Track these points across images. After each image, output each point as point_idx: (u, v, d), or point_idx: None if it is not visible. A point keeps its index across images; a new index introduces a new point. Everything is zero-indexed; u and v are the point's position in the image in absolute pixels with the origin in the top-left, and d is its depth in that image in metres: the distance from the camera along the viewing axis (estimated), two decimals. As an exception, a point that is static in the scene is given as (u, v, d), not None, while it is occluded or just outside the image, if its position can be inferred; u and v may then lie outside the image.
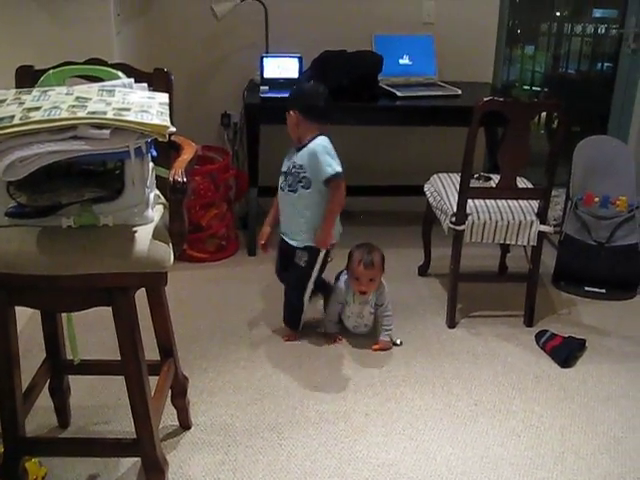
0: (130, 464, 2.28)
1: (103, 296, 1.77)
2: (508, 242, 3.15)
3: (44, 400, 2.31)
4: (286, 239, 2.97)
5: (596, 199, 3.61)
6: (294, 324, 3.06)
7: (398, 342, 3.03)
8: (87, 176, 1.78)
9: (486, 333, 3.16)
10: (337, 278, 3.12)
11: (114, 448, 2.06)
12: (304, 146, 2.84)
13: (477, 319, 3.27)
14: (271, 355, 2.93)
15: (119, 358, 1.88)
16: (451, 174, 3.36)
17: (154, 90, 1.88)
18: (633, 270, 3.57)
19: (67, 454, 2.18)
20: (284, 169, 2.93)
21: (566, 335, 3.07)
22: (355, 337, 3.07)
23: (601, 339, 3.14)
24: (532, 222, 3.05)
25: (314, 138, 2.84)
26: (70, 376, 2.41)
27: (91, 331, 2.80)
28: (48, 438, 2.36)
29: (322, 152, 2.79)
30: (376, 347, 2.99)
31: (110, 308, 1.80)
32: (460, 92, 3.86)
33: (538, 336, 3.09)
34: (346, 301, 3.01)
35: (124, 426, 2.40)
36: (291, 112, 2.86)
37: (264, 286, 3.48)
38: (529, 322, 3.22)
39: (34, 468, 2.15)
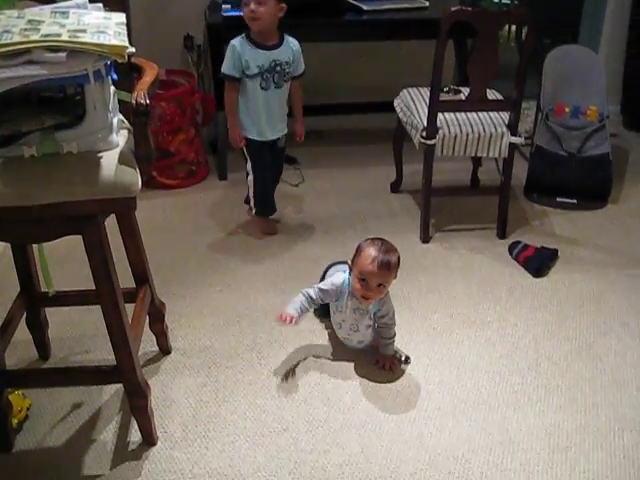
0: (113, 390, 2.31)
1: (73, 225, 1.74)
2: (479, 155, 3.15)
3: (23, 334, 2.31)
4: (270, 137, 3.09)
5: (567, 109, 3.60)
6: (273, 206, 3.26)
7: (403, 358, 2.48)
8: (47, 103, 1.73)
9: (460, 246, 3.19)
10: (327, 269, 2.69)
11: (95, 376, 2.08)
12: (279, 43, 2.96)
13: (450, 233, 3.30)
14: (247, 278, 2.94)
15: (94, 288, 1.88)
16: (420, 88, 3.32)
17: (110, 11, 1.81)
18: (604, 180, 3.59)
19: (49, 384, 2.20)
20: (258, 70, 2.92)
21: (538, 245, 3.10)
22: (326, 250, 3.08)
23: (573, 248, 3.18)
24: (503, 134, 3.04)
25: (282, 35, 2.98)
26: (47, 308, 2.41)
27: (64, 263, 2.78)
28: (29, 370, 2.37)
29: (300, 48, 3.03)
30: (381, 365, 2.45)
31: (81, 238, 1.78)
32: (427, 4, 3.78)
33: (511, 247, 3.13)
34: (335, 306, 2.46)
35: (104, 354, 2.41)
36: (272, 2, 2.84)
37: (236, 210, 3.46)
38: (502, 234, 3.24)
39: (18, 400, 2.17)
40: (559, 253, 3.10)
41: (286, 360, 2.46)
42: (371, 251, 2.29)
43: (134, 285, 2.25)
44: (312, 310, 2.52)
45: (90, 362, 2.41)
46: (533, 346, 2.56)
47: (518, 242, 3.14)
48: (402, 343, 2.53)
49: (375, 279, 2.28)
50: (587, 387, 2.37)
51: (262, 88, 2.96)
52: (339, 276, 2.42)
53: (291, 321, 2.32)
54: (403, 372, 2.43)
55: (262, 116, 3.02)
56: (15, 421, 2.13)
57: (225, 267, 3.02)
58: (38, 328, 2.40)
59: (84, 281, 2.08)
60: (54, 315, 2.47)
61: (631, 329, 2.66)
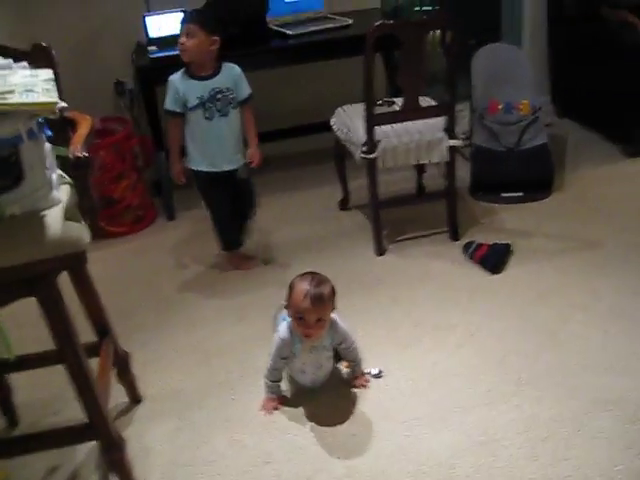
0: (87, 449, 2.26)
1: (24, 287, 1.71)
2: (421, 162, 3.20)
3: (-13, 403, 2.26)
4: (224, 168, 3.05)
5: (499, 106, 3.68)
6: (237, 240, 3.24)
7: (375, 372, 2.50)
8: (-17, 169, 1.71)
9: (415, 254, 3.22)
10: (274, 321, 2.58)
11: (68, 436, 2.04)
12: (215, 72, 2.94)
13: (404, 242, 3.33)
14: (209, 315, 2.92)
15: (54, 349, 1.84)
16: (355, 105, 3.35)
17: (36, 68, 1.79)
18: (545, 169, 3.67)
19: (22, 452, 2.13)
20: (198, 100, 2.92)
21: (491, 242, 3.15)
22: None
23: (525, 241, 3.23)
24: (441, 138, 3.09)
25: (220, 64, 2.96)
26: (9, 374, 2.35)
27: (21, 326, 2.72)
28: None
29: (242, 72, 3.01)
30: (359, 385, 2.44)
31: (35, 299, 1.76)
32: (351, 21, 3.84)
33: (465, 248, 3.17)
34: (293, 353, 2.34)
35: (74, 413, 2.33)
36: (202, 35, 2.85)
37: (190, 248, 3.44)
38: (454, 236, 3.29)
39: (-9, 473, 2.11)
40: (512, 247, 3.15)
41: (260, 392, 2.44)
42: (303, 286, 2.22)
43: (96, 338, 2.21)
44: (283, 376, 2.46)
45: (61, 423, 2.35)
46: (500, 343, 2.59)
47: (472, 242, 3.18)
48: (372, 357, 2.53)
49: (312, 315, 2.21)
50: (558, 375, 2.40)
51: (206, 118, 2.94)
52: (282, 326, 2.34)
53: (275, 408, 2.37)
54: (377, 387, 2.43)
55: (211, 147, 3.00)
56: (-9, 495, 2.08)
57: (186, 306, 2.99)
58: (2, 395, 2.34)
59: (45, 342, 2.04)
60: (18, 380, 2.41)
61: (592, 312, 2.71)
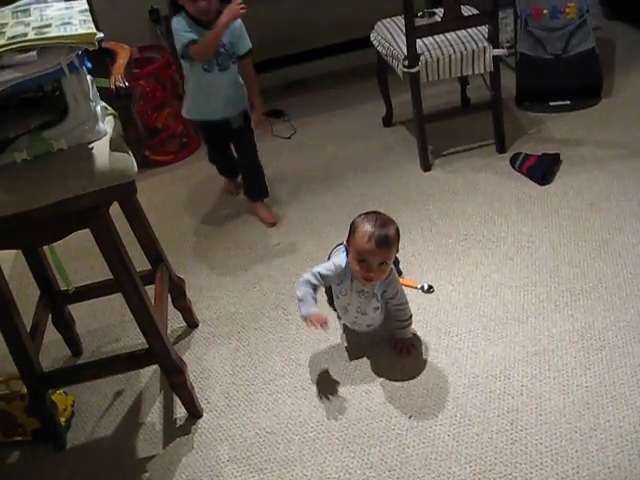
0: (150, 372, 2.35)
1: (78, 220, 1.75)
2: (465, 73, 3.11)
3: (52, 335, 2.35)
4: (211, 118, 2.93)
5: (545, 11, 3.53)
6: (265, 189, 3.12)
7: (425, 287, 2.50)
8: (28, 105, 1.72)
9: (462, 168, 3.17)
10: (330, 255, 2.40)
11: (130, 362, 2.11)
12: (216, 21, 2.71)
13: (450, 157, 3.28)
14: (259, 239, 2.95)
15: (112, 278, 1.89)
16: (395, 18, 3.26)
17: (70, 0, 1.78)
18: (593, 75, 3.54)
19: (87, 378, 2.23)
20: None
21: (539, 153, 3.08)
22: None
23: (574, 150, 3.16)
24: (485, 48, 3.00)
25: (220, 13, 2.70)
26: (70, 305, 2.43)
27: (78, 258, 2.80)
28: (65, 368, 2.41)
29: (243, 26, 2.81)
30: (399, 349, 2.27)
31: (90, 234, 1.79)
32: None
33: (512, 160, 3.11)
34: (339, 290, 2.22)
35: (134, 340, 2.45)
36: None
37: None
38: (501, 148, 3.23)
39: (61, 399, 2.21)
40: (561, 157, 3.08)
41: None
42: (366, 228, 2.05)
43: (150, 267, 2.26)
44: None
45: (122, 349, 2.45)
46: (551, 253, 2.57)
47: (519, 153, 3.12)
48: (422, 272, 2.55)
49: (375, 258, 2.05)
50: (611, 284, 2.38)
51: (205, 70, 2.78)
52: (339, 257, 2.19)
53: (324, 322, 2.09)
54: (429, 301, 2.45)
55: (207, 98, 2.86)
56: (63, 420, 2.18)
57: (234, 233, 3.02)
58: (65, 326, 2.43)
59: (101, 272, 2.10)
60: (78, 310, 2.50)
61: (645, 219, 2.66)
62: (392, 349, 2.28)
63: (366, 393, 2.14)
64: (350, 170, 3.29)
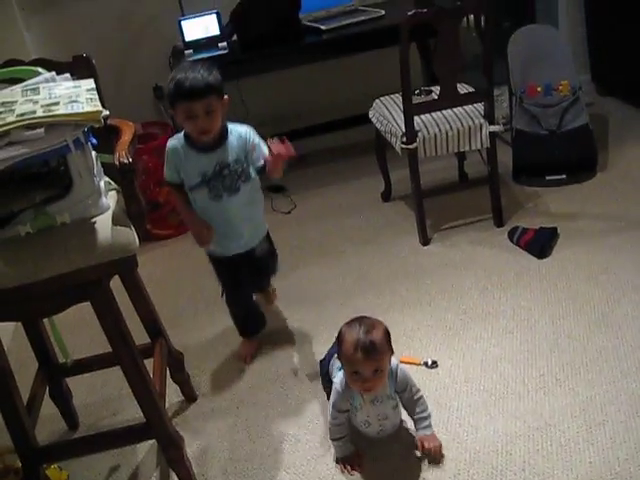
0: (147, 448, 2.32)
1: (79, 293, 1.76)
2: (462, 149, 3.18)
3: (48, 408, 2.32)
4: (235, 251, 2.50)
5: (539, 89, 3.63)
6: (255, 324, 2.74)
7: (429, 363, 2.47)
8: (33, 180, 1.76)
9: (460, 242, 3.20)
10: (324, 370, 2.33)
11: (127, 436, 2.09)
12: (220, 140, 2.31)
13: (449, 231, 3.31)
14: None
15: (110, 350, 1.89)
16: (392, 95, 3.35)
17: (78, 79, 1.84)
18: (588, 150, 3.61)
19: (83, 453, 2.20)
20: (201, 178, 2.32)
21: (537, 227, 3.12)
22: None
23: (571, 223, 3.19)
24: (481, 125, 3.07)
25: (225, 126, 2.33)
26: (68, 378, 2.42)
27: (76, 330, 2.80)
28: (61, 442, 2.37)
29: (254, 133, 2.36)
30: (425, 448, 2.09)
31: (89, 304, 1.80)
32: (383, 12, 3.82)
33: (511, 234, 3.14)
34: (354, 407, 2.10)
35: (132, 414, 2.42)
36: (219, 104, 2.25)
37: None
38: (499, 222, 3.26)
39: (55, 474, 2.18)
40: (559, 230, 3.11)
41: (310, 388, 2.46)
42: (351, 336, 1.97)
43: (149, 340, 2.26)
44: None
45: (120, 424, 2.40)
46: (551, 327, 2.57)
47: (517, 227, 3.15)
48: (421, 347, 2.54)
49: (367, 367, 1.95)
50: (611, 357, 2.37)
51: (212, 199, 2.35)
52: (338, 377, 2.10)
53: (355, 466, 2.11)
54: (429, 376, 2.43)
55: (221, 229, 2.40)
56: (57, 495, 2.14)
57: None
58: (62, 399, 2.41)
59: (100, 344, 2.10)
60: (76, 383, 2.48)
61: (644, 292, 2.66)
62: (418, 449, 2.12)
63: (366, 469, 2.11)
64: (349, 243, 3.32)
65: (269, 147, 2.24)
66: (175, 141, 2.35)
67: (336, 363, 2.17)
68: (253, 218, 2.49)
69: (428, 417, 2.13)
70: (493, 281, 2.88)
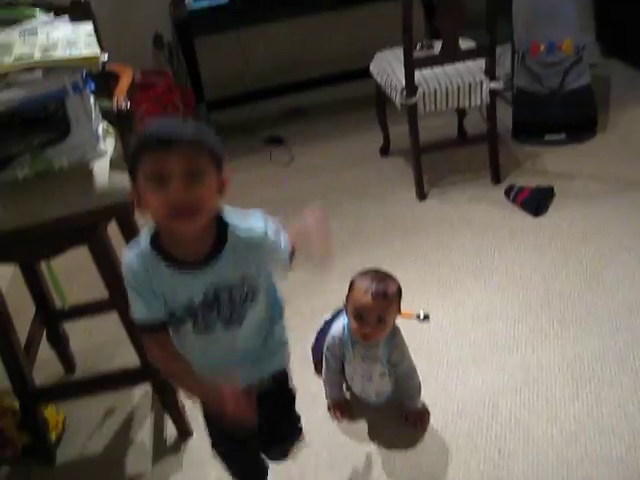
0: (142, 392, 2.36)
1: (76, 236, 1.78)
2: (462, 106, 3.17)
3: (46, 352, 2.36)
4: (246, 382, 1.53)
5: (542, 47, 3.59)
6: None
7: (421, 316, 2.51)
8: (31, 124, 1.76)
9: (457, 198, 3.21)
10: (327, 325, 2.28)
11: (123, 379, 2.14)
12: (215, 249, 1.36)
13: (446, 187, 3.32)
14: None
15: (107, 296, 1.92)
16: (394, 49, 3.32)
17: (76, 21, 1.83)
18: (589, 111, 3.60)
19: (80, 394, 2.25)
20: (183, 310, 1.40)
21: (534, 185, 3.12)
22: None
23: (568, 183, 3.20)
24: (482, 81, 3.06)
25: (222, 222, 1.39)
26: (65, 323, 2.45)
27: (74, 276, 2.82)
28: (58, 384, 2.42)
29: (270, 225, 1.45)
30: (412, 422, 2.11)
31: (87, 252, 1.82)
32: (388, -36, 3.77)
33: (507, 191, 3.15)
34: (344, 355, 2.11)
35: (127, 359, 2.43)
36: (213, 172, 1.32)
37: (231, 197, 3.46)
38: (496, 180, 3.27)
39: (53, 414, 2.23)
40: (555, 190, 3.12)
41: (301, 336, 2.49)
42: (364, 283, 1.97)
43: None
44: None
45: (115, 368, 2.45)
46: (542, 284, 2.60)
47: (513, 185, 3.16)
48: (414, 301, 2.56)
49: (372, 312, 1.94)
50: (601, 316, 2.41)
51: (197, 333, 1.45)
52: (338, 325, 2.11)
53: (342, 415, 2.15)
54: (420, 329, 2.47)
55: (207, 369, 1.48)
56: (53, 435, 2.19)
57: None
58: (59, 343, 2.44)
59: (97, 290, 2.13)
60: (73, 328, 2.52)
61: (637, 254, 2.68)
62: (404, 421, 2.12)
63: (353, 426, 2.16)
64: (346, 197, 3.33)
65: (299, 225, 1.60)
66: (133, 253, 1.39)
67: (340, 317, 2.17)
68: (255, 349, 1.56)
69: (418, 393, 2.12)
70: (488, 238, 2.90)
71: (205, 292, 1.39)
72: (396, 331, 2.06)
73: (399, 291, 2.02)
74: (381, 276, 2.00)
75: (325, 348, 2.12)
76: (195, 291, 1.39)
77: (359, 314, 1.96)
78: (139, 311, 1.42)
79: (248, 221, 1.41)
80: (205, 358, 1.49)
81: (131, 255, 1.39)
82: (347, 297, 2.03)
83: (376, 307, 1.94)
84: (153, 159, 1.26)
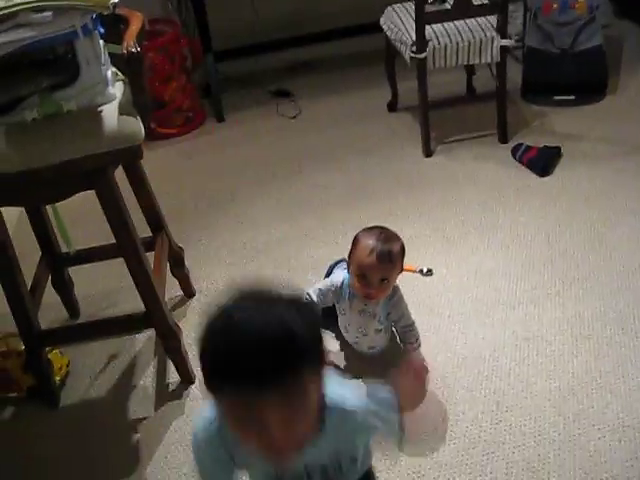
0: (145, 338, 2.39)
1: (83, 180, 1.78)
2: (472, 62, 3.13)
3: (51, 296, 2.38)
4: None
5: (554, 6, 3.55)
6: None
7: (425, 270, 2.51)
8: (40, 66, 1.75)
9: (463, 156, 3.20)
10: (330, 271, 2.33)
11: (127, 324, 2.16)
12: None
13: (453, 144, 3.30)
14: (259, 212, 2.98)
15: (113, 242, 1.93)
16: (405, 3, 3.28)
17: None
18: (599, 72, 3.56)
19: (84, 338, 2.28)
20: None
21: (541, 145, 3.11)
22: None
23: (575, 144, 3.18)
24: (493, 38, 3.02)
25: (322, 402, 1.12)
26: (70, 268, 2.47)
27: (80, 221, 2.82)
28: (63, 327, 2.45)
29: (369, 404, 1.23)
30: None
31: (94, 198, 1.82)
32: None
33: (514, 150, 3.14)
34: (340, 308, 2.12)
35: (132, 305, 2.45)
36: (308, 376, 1.01)
37: (239, 149, 3.47)
38: (503, 138, 3.25)
39: (57, 358, 2.25)
40: (562, 150, 3.10)
41: (303, 284, 2.49)
42: (369, 241, 1.94)
43: (151, 234, 2.30)
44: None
45: (119, 314, 2.48)
46: (546, 243, 2.61)
47: (520, 144, 3.15)
48: (418, 256, 2.57)
49: (376, 273, 1.93)
50: (603, 276, 2.42)
51: None
52: (339, 275, 2.11)
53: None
54: (423, 283, 2.48)
55: None
56: (58, 378, 2.22)
57: (236, 205, 3.05)
58: (64, 288, 2.46)
59: (102, 236, 2.14)
60: (78, 273, 2.53)
61: (642, 216, 2.69)
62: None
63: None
64: (352, 152, 3.32)
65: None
66: (206, 424, 1.18)
67: (340, 267, 2.20)
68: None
69: (417, 345, 2.12)
70: (493, 196, 2.90)
71: (295, 473, 1.23)
72: (395, 289, 2.05)
73: (403, 251, 2.01)
74: (386, 236, 1.97)
75: (318, 289, 2.07)
76: (283, 470, 1.24)
77: (362, 274, 1.94)
78: None
79: (346, 392, 1.19)
80: None
81: (203, 423, 1.18)
82: (350, 254, 2.01)
83: (380, 269, 1.93)
84: (236, 401, 0.98)
